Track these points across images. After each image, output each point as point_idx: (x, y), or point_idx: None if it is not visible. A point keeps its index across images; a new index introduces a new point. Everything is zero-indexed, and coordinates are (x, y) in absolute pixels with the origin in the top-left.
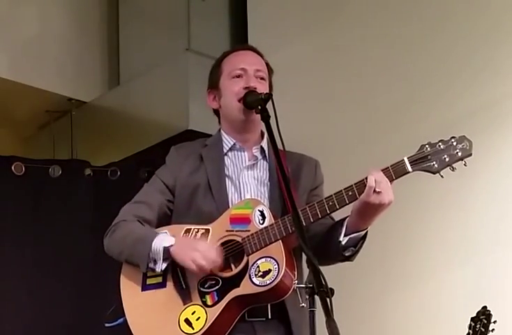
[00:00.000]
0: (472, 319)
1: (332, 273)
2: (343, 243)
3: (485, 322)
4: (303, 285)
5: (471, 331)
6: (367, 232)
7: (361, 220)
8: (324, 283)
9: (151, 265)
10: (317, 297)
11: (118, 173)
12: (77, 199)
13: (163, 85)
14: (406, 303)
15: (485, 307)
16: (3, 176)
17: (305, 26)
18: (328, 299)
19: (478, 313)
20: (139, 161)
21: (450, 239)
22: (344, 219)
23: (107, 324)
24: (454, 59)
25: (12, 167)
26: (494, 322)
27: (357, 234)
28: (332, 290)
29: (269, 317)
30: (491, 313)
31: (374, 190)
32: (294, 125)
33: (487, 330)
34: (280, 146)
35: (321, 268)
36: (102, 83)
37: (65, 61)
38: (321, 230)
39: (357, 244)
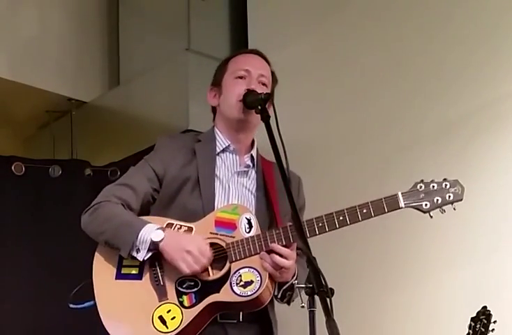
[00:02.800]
0: (472, 319)
1: (332, 274)
2: (279, 296)
3: (485, 322)
4: (303, 285)
5: (471, 331)
6: (296, 277)
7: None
8: (324, 283)
9: (133, 253)
10: (316, 297)
11: (118, 173)
12: (77, 199)
13: (163, 85)
14: (406, 304)
15: (485, 307)
16: (3, 176)
17: (305, 26)
18: (328, 299)
19: (478, 313)
20: (139, 161)
21: (450, 239)
22: None
23: (71, 306)
24: (454, 59)
25: (12, 167)
26: (494, 322)
27: (287, 285)
28: (332, 290)
29: (240, 319)
30: (491, 313)
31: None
32: (293, 125)
33: (487, 330)
34: (280, 146)
35: (321, 268)
36: (102, 83)
37: (65, 61)
38: None
39: (292, 289)
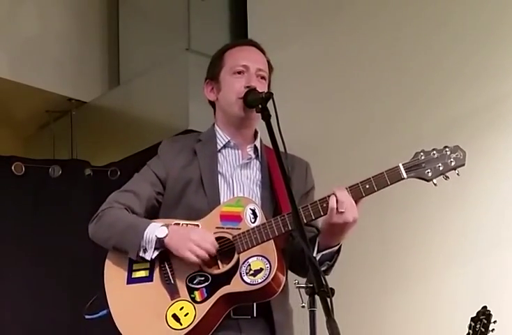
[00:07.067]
0: (472, 319)
1: (332, 273)
2: (317, 259)
3: (485, 322)
4: (304, 285)
5: (471, 331)
6: (340, 246)
7: (331, 238)
8: (324, 282)
9: (141, 254)
10: (317, 297)
11: (118, 173)
12: (77, 199)
13: (163, 85)
14: (406, 303)
15: (485, 307)
16: (3, 176)
17: (305, 26)
18: (328, 299)
19: (478, 313)
20: (139, 161)
21: (450, 239)
22: (316, 236)
23: (87, 316)
24: (454, 59)
25: (12, 167)
26: (494, 322)
27: (330, 250)
28: (332, 290)
29: (254, 315)
30: (491, 313)
31: (337, 211)
32: (293, 124)
33: (487, 330)
34: (280, 145)
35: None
36: (102, 83)
37: (65, 61)
38: (295, 249)
39: (332, 258)
